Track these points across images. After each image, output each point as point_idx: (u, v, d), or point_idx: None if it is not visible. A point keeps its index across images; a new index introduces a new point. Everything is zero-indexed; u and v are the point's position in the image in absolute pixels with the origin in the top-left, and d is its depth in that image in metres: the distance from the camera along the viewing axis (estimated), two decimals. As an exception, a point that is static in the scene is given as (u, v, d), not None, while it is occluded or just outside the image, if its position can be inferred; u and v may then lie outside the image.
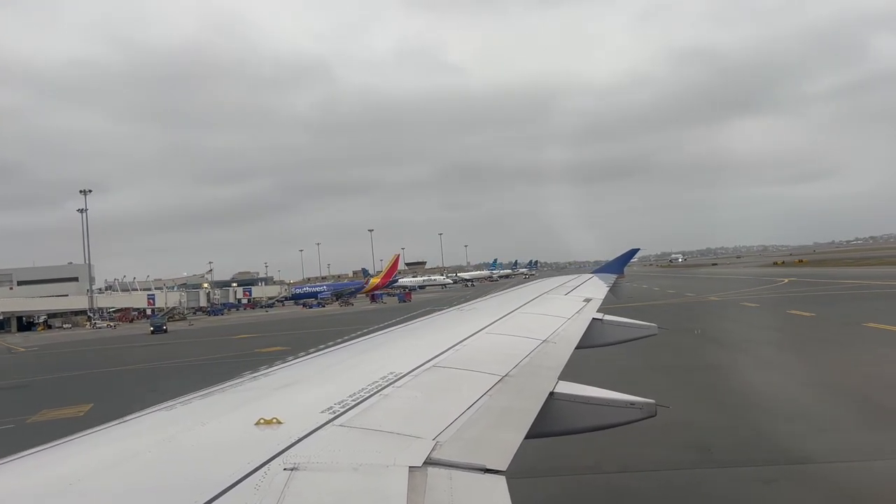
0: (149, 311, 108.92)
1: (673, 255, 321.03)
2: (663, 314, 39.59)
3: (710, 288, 63.24)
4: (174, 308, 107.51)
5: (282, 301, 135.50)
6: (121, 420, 3.19)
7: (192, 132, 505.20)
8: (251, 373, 4.35)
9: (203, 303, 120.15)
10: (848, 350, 21.60)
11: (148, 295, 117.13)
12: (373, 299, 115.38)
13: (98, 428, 3.06)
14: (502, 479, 2.49)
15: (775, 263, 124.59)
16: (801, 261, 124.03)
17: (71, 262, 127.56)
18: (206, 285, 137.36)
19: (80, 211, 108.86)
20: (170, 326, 74.54)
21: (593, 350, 7.29)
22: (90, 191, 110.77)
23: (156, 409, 3.37)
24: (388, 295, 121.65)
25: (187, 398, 3.53)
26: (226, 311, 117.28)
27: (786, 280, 66.28)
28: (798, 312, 34.10)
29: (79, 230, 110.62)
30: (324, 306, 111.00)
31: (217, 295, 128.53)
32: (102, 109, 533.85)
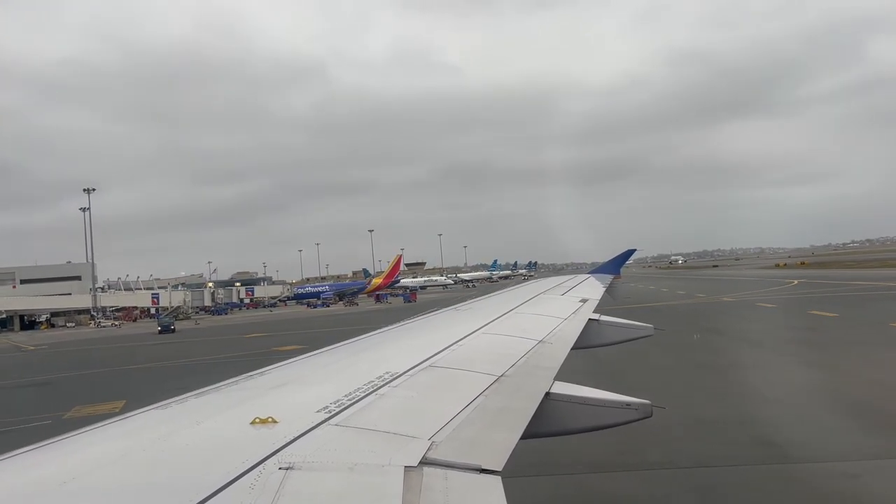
0: (152, 311, 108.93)
1: (673, 257, 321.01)
2: (683, 315, 39.74)
3: (719, 289, 63.05)
4: (179, 307, 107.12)
5: (284, 301, 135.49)
6: (116, 418, 3.19)
7: (190, 132, 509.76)
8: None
9: (208, 302, 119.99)
10: (889, 350, 21.86)
11: (152, 294, 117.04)
12: (377, 299, 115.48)
13: (93, 426, 3.06)
14: (498, 480, 2.49)
15: (777, 265, 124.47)
16: (802, 263, 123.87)
17: (69, 262, 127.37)
18: (210, 284, 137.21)
19: (83, 209, 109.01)
20: (176, 326, 73.90)
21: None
22: (94, 189, 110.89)
23: (151, 407, 3.36)
24: (393, 295, 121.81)
25: (183, 397, 3.53)
26: (229, 310, 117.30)
27: (795, 282, 66.14)
28: (820, 313, 34.25)
29: (74, 230, 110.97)
30: (328, 306, 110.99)
31: (221, 294, 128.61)
32: (99, 109, 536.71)
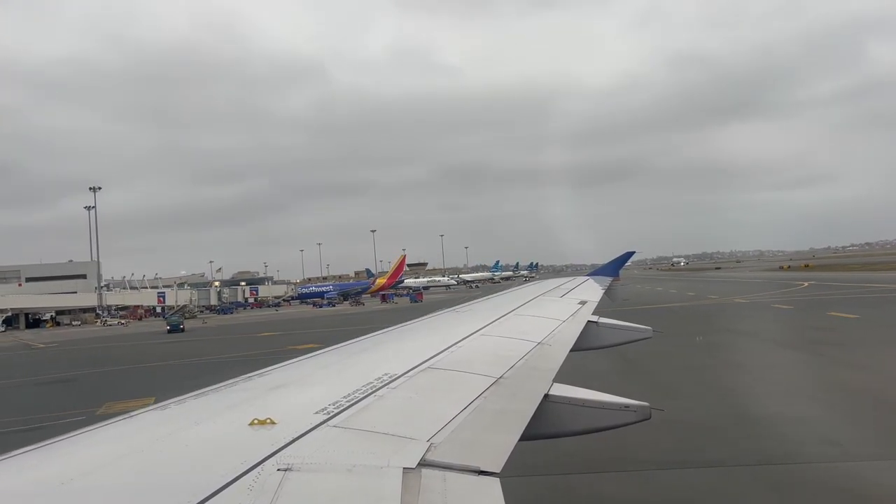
0: (157, 310, 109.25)
1: (675, 259, 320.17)
2: (698, 316, 39.45)
3: (728, 291, 62.60)
4: (185, 306, 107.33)
5: (288, 300, 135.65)
6: (115, 419, 3.20)
7: (189, 132, 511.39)
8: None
9: (214, 301, 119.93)
10: None
11: (158, 293, 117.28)
12: (384, 299, 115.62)
13: (92, 427, 3.07)
14: (496, 481, 2.49)
15: (782, 268, 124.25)
16: (806, 265, 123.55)
17: (71, 260, 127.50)
18: (216, 283, 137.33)
19: (88, 208, 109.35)
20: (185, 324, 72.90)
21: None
22: (99, 188, 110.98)
23: (150, 408, 3.37)
24: (398, 295, 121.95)
25: (182, 398, 3.54)
26: (234, 309, 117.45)
27: (806, 284, 65.67)
28: (840, 314, 34.13)
29: (74, 229, 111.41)
30: (334, 306, 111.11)
31: (226, 294, 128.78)
32: (99, 109, 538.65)
